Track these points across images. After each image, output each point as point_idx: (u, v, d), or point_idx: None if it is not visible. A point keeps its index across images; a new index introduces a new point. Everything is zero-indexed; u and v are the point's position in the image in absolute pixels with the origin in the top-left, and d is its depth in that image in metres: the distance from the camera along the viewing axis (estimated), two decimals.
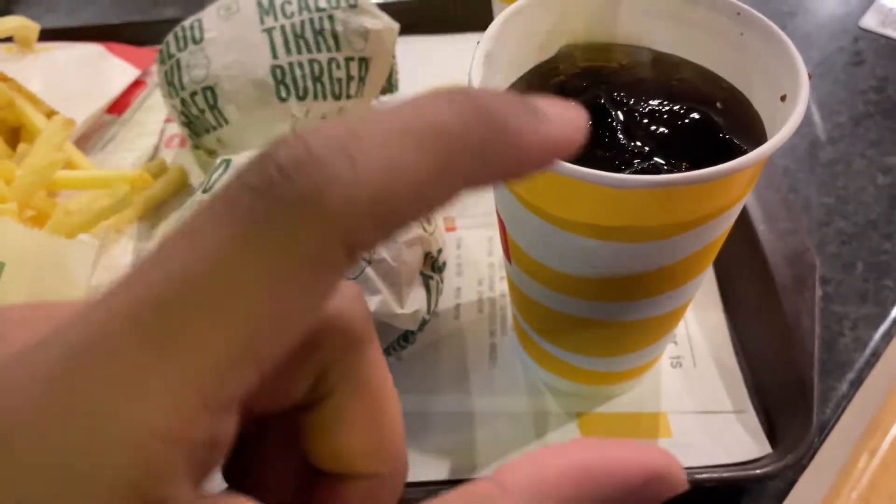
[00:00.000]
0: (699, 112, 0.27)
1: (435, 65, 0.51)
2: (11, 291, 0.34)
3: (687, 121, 0.27)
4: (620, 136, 0.26)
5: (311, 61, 0.42)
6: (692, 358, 0.36)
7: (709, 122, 0.26)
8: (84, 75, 0.48)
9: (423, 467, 0.32)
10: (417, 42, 0.53)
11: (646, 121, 0.27)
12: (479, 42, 0.27)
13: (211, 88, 0.41)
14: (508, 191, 0.26)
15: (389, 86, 0.48)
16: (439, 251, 0.35)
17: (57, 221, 0.37)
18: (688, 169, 0.25)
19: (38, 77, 0.46)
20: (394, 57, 0.47)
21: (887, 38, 0.54)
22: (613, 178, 0.21)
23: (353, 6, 0.43)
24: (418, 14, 0.52)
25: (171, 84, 0.42)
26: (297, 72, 0.42)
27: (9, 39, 0.49)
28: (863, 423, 0.34)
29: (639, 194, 0.22)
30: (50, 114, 0.45)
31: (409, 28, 0.47)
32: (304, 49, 0.42)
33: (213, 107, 0.42)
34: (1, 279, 0.33)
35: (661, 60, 0.29)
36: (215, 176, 0.35)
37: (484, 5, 0.46)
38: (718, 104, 0.27)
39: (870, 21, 0.55)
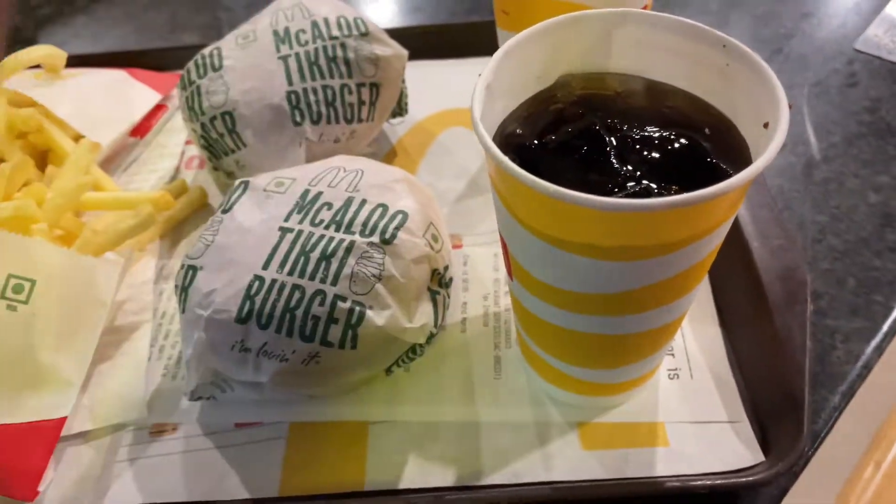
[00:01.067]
0: (688, 137, 0.28)
1: (443, 89, 0.53)
2: (43, 306, 0.36)
3: (677, 146, 0.28)
4: (614, 160, 0.28)
5: (324, 87, 0.44)
6: (689, 370, 0.37)
7: (697, 147, 0.28)
8: (109, 100, 0.51)
9: (430, 475, 0.34)
10: (426, 67, 0.55)
11: (638, 146, 0.28)
12: (479, 74, 0.28)
13: (229, 113, 0.44)
14: (508, 212, 0.28)
15: (400, 109, 0.50)
16: (446, 268, 0.37)
17: (85, 240, 0.39)
18: (677, 192, 0.26)
19: (65, 102, 0.48)
20: (403, 82, 0.49)
21: (881, 59, 0.55)
22: (603, 202, 0.23)
23: (365, 34, 0.45)
24: (427, 40, 0.54)
25: (192, 109, 0.45)
26: (312, 97, 0.44)
27: (37, 66, 0.52)
28: (855, 433, 0.36)
29: (628, 216, 0.24)
30: (77, 137, 0.48)
31: (418, 54, 0.49)
32: (317, 75, 0.44)
33: (232, 131, 0.44)
34: (33, 295, 0.35)
35: (653, 88, 0.31)
36: (234, 197, 0.37)
37: (489, 32, 0.48)
38: (707, 130, 0.29)
39: (874, 31, 0.57)
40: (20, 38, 0.66)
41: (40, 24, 0.68)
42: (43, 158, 0.48)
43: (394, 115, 0.50)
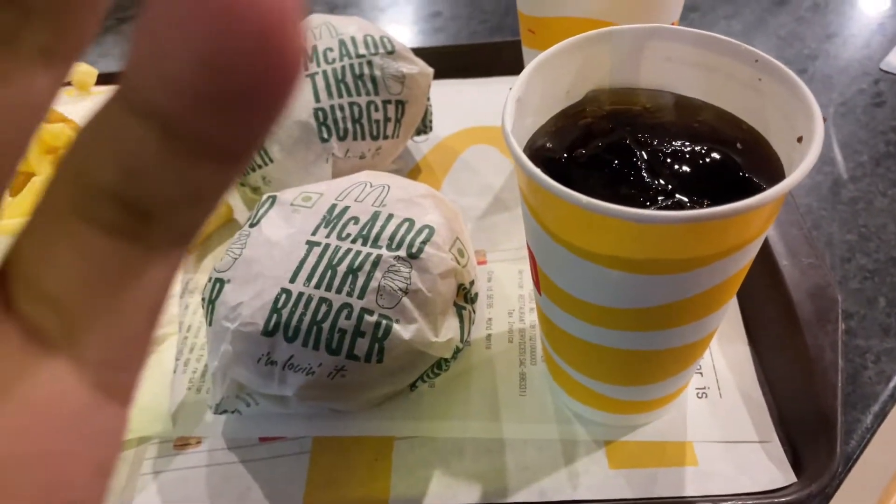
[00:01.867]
0: (720, 152, 0.28)
1: (467, 107, 0.54)
2: None
3: (708, 160, 0.28)
4: (645, 174, 0.28)
5: (351, 104, 0.45)
6: (718, 389, 0.37)
7: (729, 162, 0.28)
8: None
9: (456, 491, 0.34)
10: (450, 85, 0.55)
11: (669, 160, 0.28)
12: (510, 88, 0.29)
13: None
14: (538, 225, 0.28)
15: (424, 126, 0.50)
16: (472, 283, 0.37)
17: None
18: (709, 205, 0.26)
19: None
20: (428, 99, 0.49)
21: None
22: (636, 214, 0.23)
23: (391, 52, 0.46)
24: (451, 60, 0.55)
25: None
26: (338, 114, 0.44)
27: (67, 84, 0.52)
28: (889, 455, 0.35)
29: (661, 229, 0.24)
30: None
31: (442, 72, 0.49)
32: (344, 93, 0.45)
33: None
34: None
35: (683, 104, 0.31)
36: (261, 211, 0.37)
37: (512, 52, 0.48)
38: (738, 145, 0.29)
39: (894, 59, 0.56)
40: None
41: None
42: None
43: (418, 132, 0.50)
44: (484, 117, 0.53)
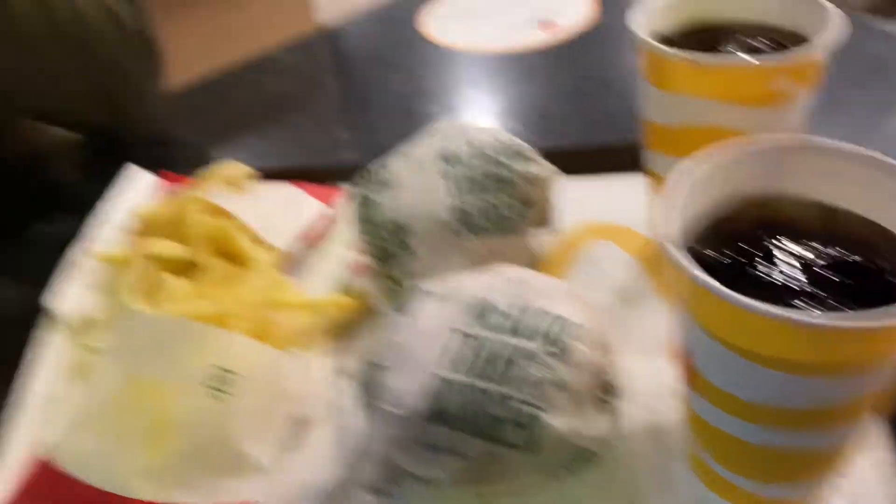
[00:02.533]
0: (868, 260, 0.29)
1: (585, 204, 0.56)
2: (244, 396, 0.39)
3: (857, 268, 0.30)
4: (792, 281, 0.29)
5: (484, 202, 0.48)
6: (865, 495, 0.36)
7: (879, 270, 0.29)
8: (282, 209, 0.56)
9: None
10: (571, 184, 0.58)
11: (816, 268, 0.30)
12: (659, 195, 0.31)
13: (399, 224, 0.48)
14: (699, 327, 0.29)
15: (548, 223, 0.53)
16: (615, 377, 0.38)
17: (277, 337, 0.43)
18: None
19: (248, 210, 0.54)
20: (553, 198, 0.52)
21: None
22: (810, 320, 0.24)
23: (520, 154, 0.50)
24: (567, 160, 0.57)
25: (362, 219, 0.49)
26: (473, 211, 0.48)
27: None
28: None
29: (828, 333, 0.25)
30: (255, 239, 0.53)
31: (564, 171, 0.53)
32: (478, 191, 0.48)
33: (400, 240, 0.48)
34: (236, 385, 0.39)
35: (829, 213, 0.33)
36: (410, 301, 0.40)
37: (627, 154, 0.51)
38: (886, 253, 0.30)
39: None
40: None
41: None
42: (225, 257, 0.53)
43: (543, 228, 0.53)
44: (601, 214, 0.56)
